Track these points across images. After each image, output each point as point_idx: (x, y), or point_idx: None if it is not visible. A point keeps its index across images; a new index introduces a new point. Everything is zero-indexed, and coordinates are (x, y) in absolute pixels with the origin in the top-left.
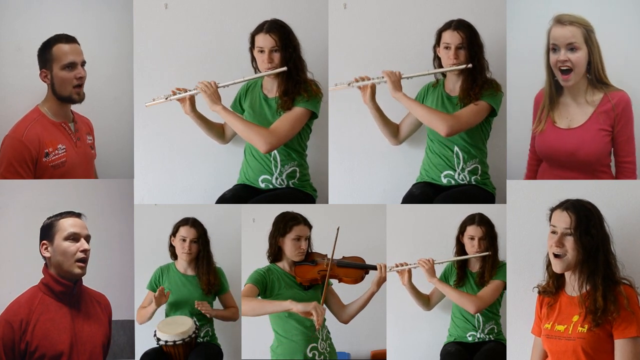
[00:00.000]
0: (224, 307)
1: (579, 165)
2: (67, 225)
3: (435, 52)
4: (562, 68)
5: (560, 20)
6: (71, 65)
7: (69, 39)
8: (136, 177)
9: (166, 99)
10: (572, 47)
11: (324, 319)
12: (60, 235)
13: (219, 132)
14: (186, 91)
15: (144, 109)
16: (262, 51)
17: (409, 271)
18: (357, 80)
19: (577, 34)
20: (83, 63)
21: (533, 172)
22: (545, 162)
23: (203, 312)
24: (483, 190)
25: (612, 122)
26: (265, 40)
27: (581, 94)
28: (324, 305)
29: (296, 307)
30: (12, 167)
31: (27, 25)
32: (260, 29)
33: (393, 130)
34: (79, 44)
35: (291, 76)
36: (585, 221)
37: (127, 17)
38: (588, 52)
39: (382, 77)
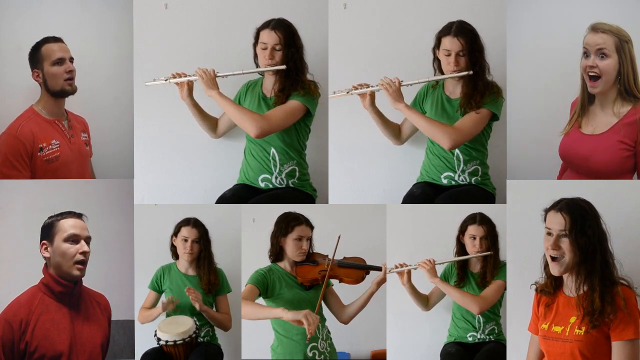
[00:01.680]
0: (217, 310)
1: (592, 174)
2: (68, 226)
3: (434, 54)
4: (590, 74)
5: (594, 28)
6: (60, 61)
7: (56, 39)
8: (136, 177)
9: (166, 80)
10: (601, 54)
11: (324, 319)
12: (60, 237)
13: (212, 124)
14: (186, 76)
15: (144, 109)
16: (264, 48)
17: (409, 271)
18: (355, 88)
19: (609, 41)
20: (71, 59)
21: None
22: (568, 167)
23: (192, 299)
24: (483, 191)
25: (635, 137)
26: (269, 37)
27: (609, 104)
28: (324, 304)
29: (287, 315)
30: (8, 161)
31: (27, 25)
32: (266, 25)
33: (395, 132)
34: (65, 43)
35: (290, 76)
36: (581, 221)
37: (127, 17)
38: (619, 62)
39: (381, 85)
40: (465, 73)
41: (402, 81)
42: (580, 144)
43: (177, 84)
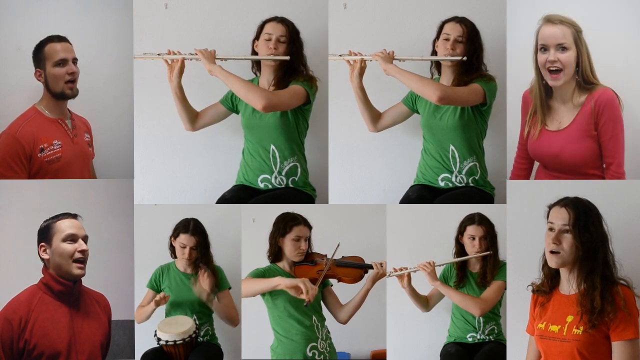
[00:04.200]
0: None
1: (566, 168)
2: (65, 226)
3: (433, 46)
4: (552, 68)
5: (550, 20)
6: (62, 62)
7: (60, 38)
8: (136, 177)
9: (158, 55)
10: (562, 47)
11: (324, 319)
12: (58, 237)
13: (191, 115)
14: (181, 54)
15: (144, 109)
16: (269, 39)
17: (409, 274)
18: (350, 54)
19: (567, 33)
20: (74, 60)
21: (520, 173)
22: (539, 164)
23: (195, 291)
24: (481, 192)
25: (594, 122)
26: (275, 28)
27: (568, 96)
28: (323, 305)
29: (284, 282)
30: (5, 162)
31: (27, 25)
32: (273, 18)
33: (373, 116)
34: (70, 43)
35: (289, 70)
36: (584, 218)
37: (127, 17)
38: (577, 53)
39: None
40: (458, 58)
41: (395, 55)
42: (548, 142)
43: (166, 62)
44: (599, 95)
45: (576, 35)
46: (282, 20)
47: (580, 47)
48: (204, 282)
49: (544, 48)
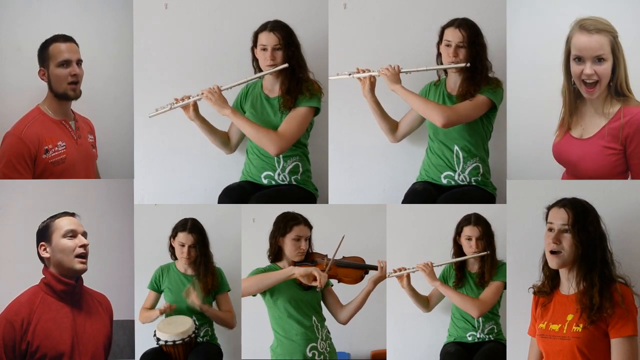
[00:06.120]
0: (219, 309)
1: (582, 177)
2: (64, 224)
3: (438, 49)
4: (588, 81)
5: (585, 27)
6: (66, 63)
7: (66, 39)
8: (136, 177)
9: (170, 107)
10: (599, 59)
11: (324, 319)
12: (58, 234)
13: (223, 139)
14: (189, 98)
15: (144, 109)
16: (264, 49)
17: (408, 275)
18: (358, 71)
19: (605, 43)
20: (79, 61)
21: None
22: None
23: (189, 302)
24: (483, 191)
25: (621, 141)
26: (268, 38)
27: (600, 104)
28: (323, 305)
29: (298, 271)
30: (10, 163)
31: (27, 25)
32: (263, 27)
33: (391, 126)
34: (76, 44)
35: (293, 74)
36: (583, 217)
37: (127, 17)
38: (613, 61)
39: (380, 71)
40: (462, 64)
41: (401, 68)
42: (569, 149)
43: (182, 107)
44: (632, 115)
45: (613, 42)
46: (273, 29)
47: (617, 55)
48: (194, 298)
49: (579, 59)
